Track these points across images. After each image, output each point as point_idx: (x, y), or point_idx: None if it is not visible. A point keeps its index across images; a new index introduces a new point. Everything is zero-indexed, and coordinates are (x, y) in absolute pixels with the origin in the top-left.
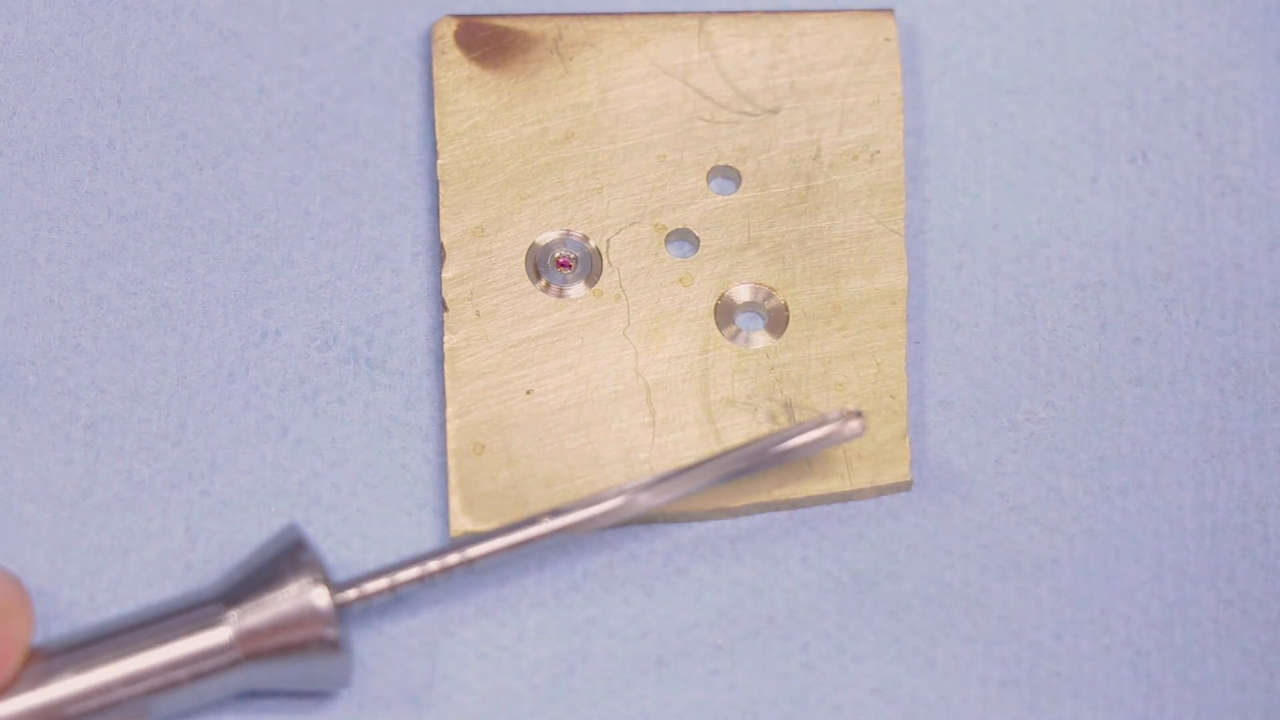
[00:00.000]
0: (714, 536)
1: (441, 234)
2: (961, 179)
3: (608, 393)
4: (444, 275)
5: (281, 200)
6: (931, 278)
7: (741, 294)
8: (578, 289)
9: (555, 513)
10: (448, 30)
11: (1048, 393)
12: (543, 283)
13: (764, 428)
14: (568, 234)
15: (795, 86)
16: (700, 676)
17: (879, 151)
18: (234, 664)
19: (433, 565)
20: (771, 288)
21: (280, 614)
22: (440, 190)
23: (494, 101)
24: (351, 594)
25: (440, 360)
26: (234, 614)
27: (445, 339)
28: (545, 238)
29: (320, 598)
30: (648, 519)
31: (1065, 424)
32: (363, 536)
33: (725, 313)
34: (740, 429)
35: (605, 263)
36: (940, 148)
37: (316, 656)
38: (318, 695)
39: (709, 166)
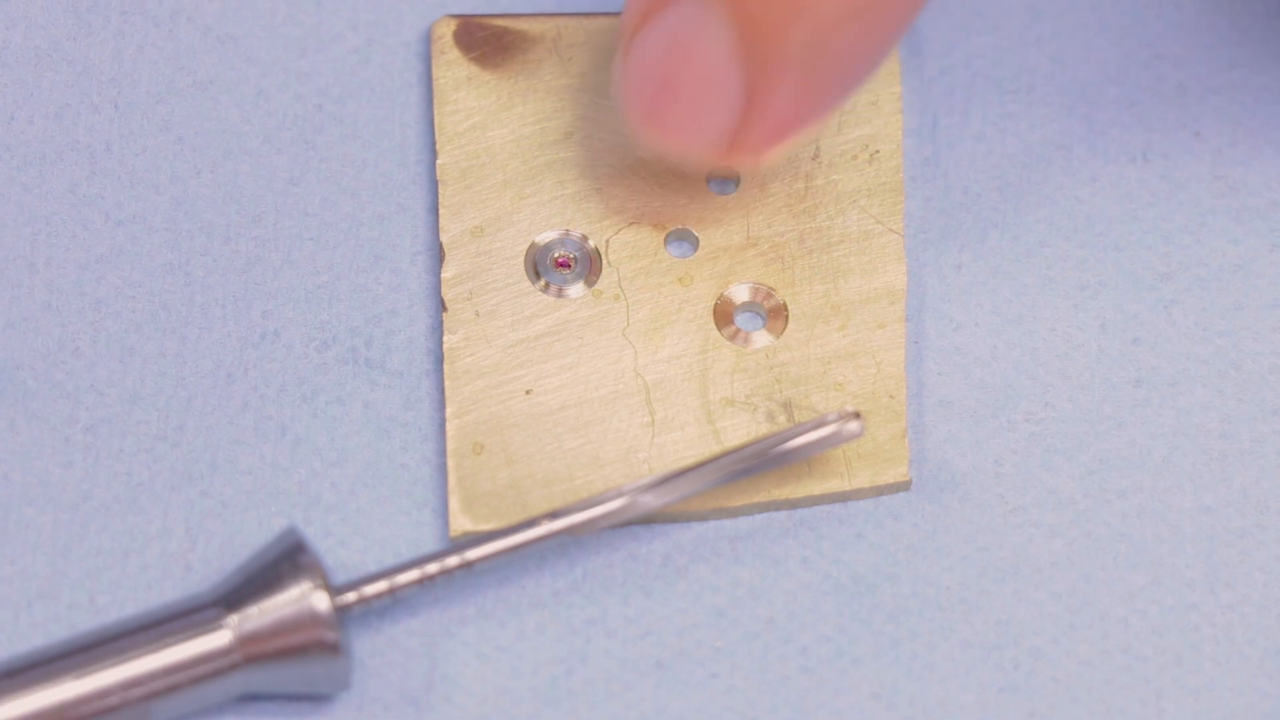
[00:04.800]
0: (713, 537)
1: (440, 234)
2: (961, 179)
3: (607, 392)
4: (443, 275)
5: (280, 202)
6: (931, 278)
7: (741, 294)
8: (577, 289)
9: (554, 515)
10: (447, 30)
11: (1047, 393)
12: (542, 282)
13: (763, 428)
14: (567, 234)
15: None
16: (699, 679)
17: (878, 151)
18: (234, 668)
19: (432, 568)
20: (771, 288)
21: (280, 618)
22: (439, 190)
23: (493, 101)
24: (351, 597)
25: (439, 360)
26: (234, 618)
27: (444, 339)
28: (544, 237)
29: (320, 601)
30: (647, 519)
31: (1064, 425)
32: (362, 537)
33: (724, 312)
34: (740, 429)
35: (604, 262)
36: (940, 148)
37: (316, 660)
38: (317, 698)
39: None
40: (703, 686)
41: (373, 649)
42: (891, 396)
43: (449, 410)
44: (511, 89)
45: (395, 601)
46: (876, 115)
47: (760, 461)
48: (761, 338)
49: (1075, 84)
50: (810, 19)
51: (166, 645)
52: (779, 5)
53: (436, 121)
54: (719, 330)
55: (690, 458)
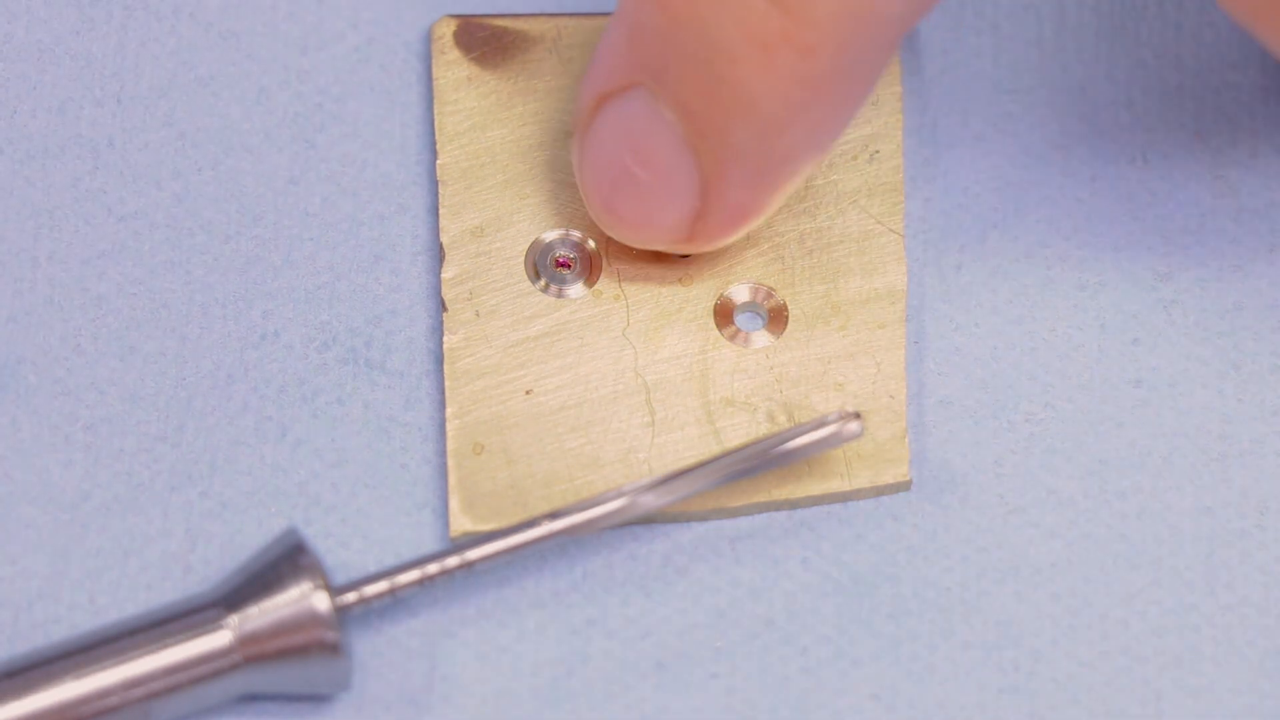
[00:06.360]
0: (713, 537)
1: (441, 234)
2: (961, 179)
3: (607, 393)
4: (443, 275)
5: (281, 201)
6: (931, 278)
7: (741, 294)
8: (577, 289)
9: (554, 515)
10: (447, 30)
11: (1047, 394)
12: (542, 283)
13: (763, 428)
14: (567, 234)
15: None
16: (699, 679)
17: (878, 151)
18: (234, 668)
19: (432, 568)
20: (771, 287)
21: (281, 618)
22: (439, 190)
23: (493, 101)
24: (351, 597)
25: (440, 360)
26: (234, 618)
27: (445, 339)
28: (545, 237)
29: (321, 601)
30: (647, 519)
31: (1064, 425)
32: (362, 537)
33: (725, 312)
34: (740, 429)
35: (604, 262)
36: (940, 148)
37: (317, 660)
38: (317, 698)
39: None
40: (703, 686)
41: (373, 649)
42: (891, 396)
43: (449, 410)
44: (511, 89)
45: (395, 601)
46: (876, 115)
47: (760, 462)
48: (761, 338)
49: (1075, 84)
50: (753, 119)
51: (166, 645)
52: (721, 105)
53: (436, 121)
54: (719, 330)
55: (690, 458)
